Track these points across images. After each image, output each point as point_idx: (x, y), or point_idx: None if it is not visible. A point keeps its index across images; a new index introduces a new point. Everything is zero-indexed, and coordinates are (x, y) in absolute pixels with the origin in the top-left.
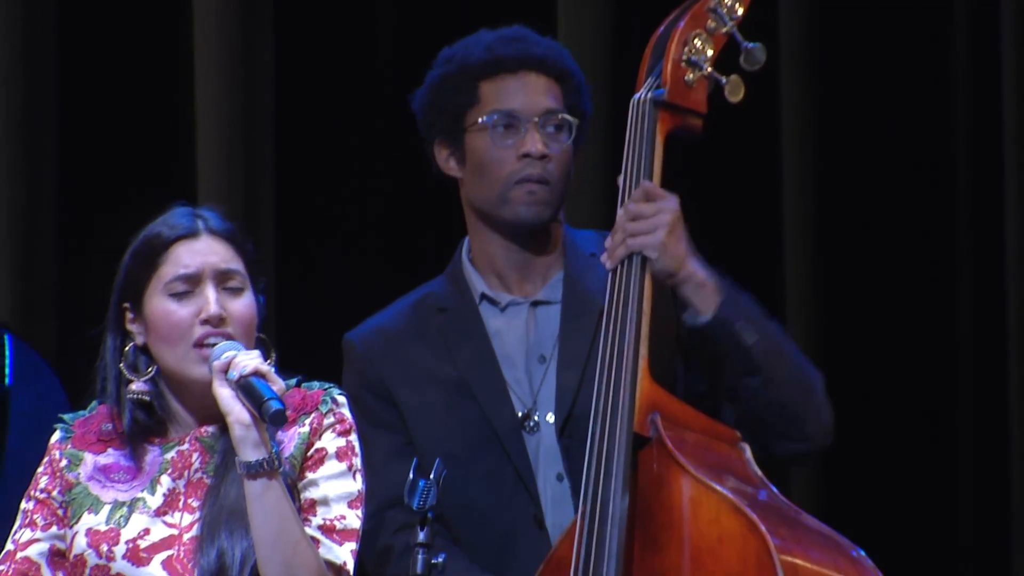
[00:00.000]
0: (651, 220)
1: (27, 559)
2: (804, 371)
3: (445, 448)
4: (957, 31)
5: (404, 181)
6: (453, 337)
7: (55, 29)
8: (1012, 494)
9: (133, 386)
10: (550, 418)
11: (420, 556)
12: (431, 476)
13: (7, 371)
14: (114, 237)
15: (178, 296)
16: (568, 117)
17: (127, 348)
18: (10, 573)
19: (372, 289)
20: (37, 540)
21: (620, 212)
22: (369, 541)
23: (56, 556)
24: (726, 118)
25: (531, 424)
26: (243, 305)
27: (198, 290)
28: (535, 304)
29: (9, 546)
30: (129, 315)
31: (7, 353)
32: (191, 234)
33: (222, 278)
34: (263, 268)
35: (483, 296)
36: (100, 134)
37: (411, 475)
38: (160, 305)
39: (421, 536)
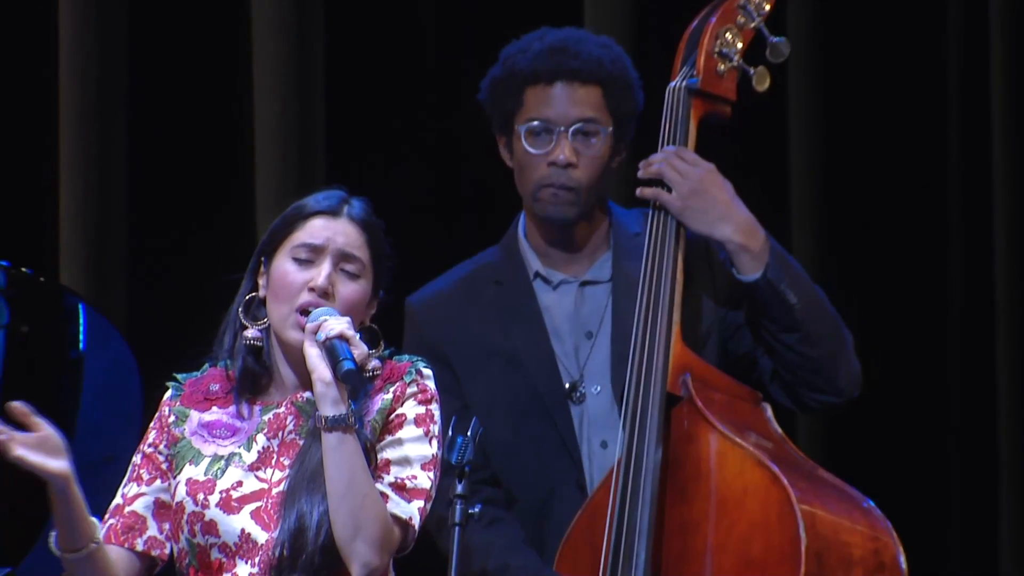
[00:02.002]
0: (689, 167)
1: (134, 513)
2: (839, 330)
3: (496, 412)
4: (951, 26)
5: (446, 165)
6: (507, 310)
7: (125, 28)
8: (999, 450)
9: (247, 332)
10: (596, 389)
11: (458, 507)
12: (468, 433)
13: (81, 337)
14: (179, 215)
15: (299, 261)
16: (600, 125)
17: (248, 297)
18: (119, 527)
19: (416, 259)
20: (143, 494)
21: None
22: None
23: (161, 508)
24: (738, 108)
25: (577, 395)
26: (352, 290)
27: (318, 261)
28: (583, 284)
29: (118, 500)
30: (262, 268)
31: (81, 321)
32: (332, 212)
33: (342, 259)
34: (392, 270)
35: (537, 274)
36: (166, 123)
37: (450, 432)
38: (282, 264)
39: (459, 488)
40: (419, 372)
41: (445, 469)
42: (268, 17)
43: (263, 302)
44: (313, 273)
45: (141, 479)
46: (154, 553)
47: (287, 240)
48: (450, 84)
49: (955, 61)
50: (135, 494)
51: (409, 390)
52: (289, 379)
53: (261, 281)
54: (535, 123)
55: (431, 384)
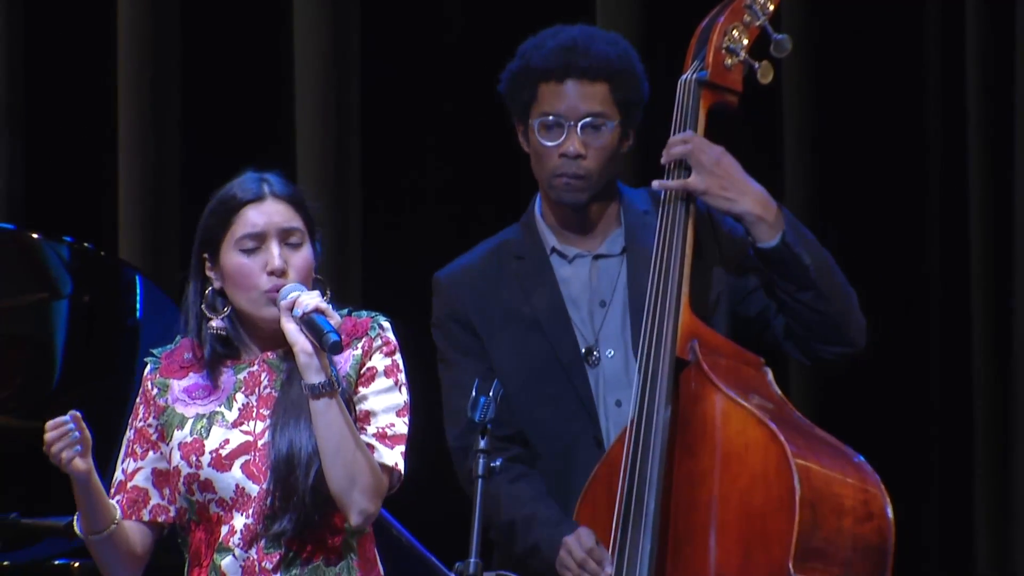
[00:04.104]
0: (705, 147)
1: (136, 487)
2: (846, 287)
3: (519, 375)
4: (928, 23)
5: (468, 152)
6: (528, 282)
7: (178, 26)
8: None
9: (212, 323)
10: (610, 353)
11: (480, 460)
12: (490, 394)
13: (138, 307)
14: None
15: (247, 251)
16: (607, 119)
17: (207, 291)
18: (124, 502)
19: (442, 237)
20: (140, 468)
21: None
22: (460, 461)
23: (159, 476)
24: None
25: (593, 358)
26: (302, 258)
27: (264, 246)
28: (597, 257)
29: (119, 476)
30: (208, 264)
31: (138, 292)
32: (258, 198)
33: (284, 235)
34: (318, 221)
35: (553, 249)
36: (216, 111)
37: (473, 392)
38: (233, 259)
39: (481, 444)
40: (380, 326)
41: (470, 426)
42: (308, 16)
43: (219, 292)
44: (265, 257)
45: (136, 454)
46: (160, 519)
47: (227, 235)
48: (467, 79)
49: (933, 53)
50: (134, 469)
51: (375, 344)
52: (255, 345)
53: (212, 275)
54: (548, 118)
55: (392, 336)
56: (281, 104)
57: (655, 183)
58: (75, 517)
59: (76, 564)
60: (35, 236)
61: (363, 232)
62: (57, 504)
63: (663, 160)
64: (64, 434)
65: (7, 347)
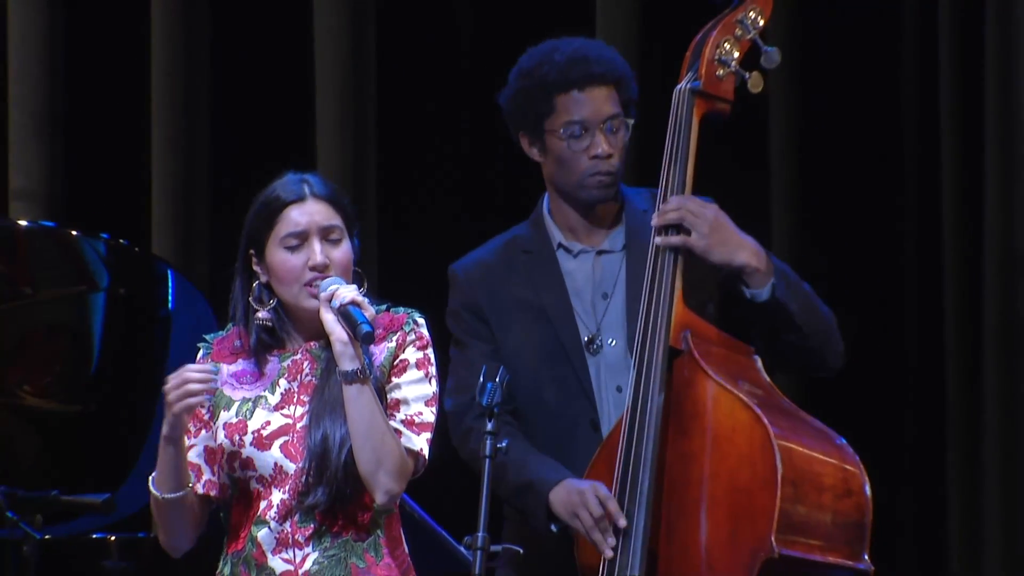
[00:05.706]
0: (701, 210)
1: (190, 463)
2: (827, 319)
3: (526, 360)
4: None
5: (478, 148)
6: (535, 274)
7: (208, 34)
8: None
9: (259, 314)
10: (612, 342)
11: (488, 441)
12: (496, 379)
13: (170, 299)
14: (253, 192)
15: (291, 248)
16: (624, 119)
17: (254, 285)
18: None
19: (452, 234)
20: (193, 445)
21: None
22: (457, 420)
23: (210, 454)
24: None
25: (595, 346)
26: (342, 252)
27: (307, 243)
28: (600, 252)
29: None
30: (254, 259)
31: (170, 285)
32: (299, 199)
33: (325, 233)
34: (358, 217)
35: (560, 244)
36: (242, 115)
37: (481, 378)
38: (278, 255)
39: (489, 426)
40: (415, 322)
41: (477, 411)
42: (328, 25)
43: (266, 286)
44: (307, 253)
45: (189, 432)
46: (212, 493)
47: (271, 234)
48: (476, 85)
49: (909, 64)
50: (188, 446)
51: (409, 338)
52: (299, 335)
53: (259, 270)
54: (574, 125)
55: (426, 332)
56: (303, 110)
57: (657, 240)
58: (151, 478)
59: (112, 538)
60: (74, 233)
61: (378, 229)
62: (94, 483)
63: (656, 223)
64: (207, 379)
65: (48, 336)
